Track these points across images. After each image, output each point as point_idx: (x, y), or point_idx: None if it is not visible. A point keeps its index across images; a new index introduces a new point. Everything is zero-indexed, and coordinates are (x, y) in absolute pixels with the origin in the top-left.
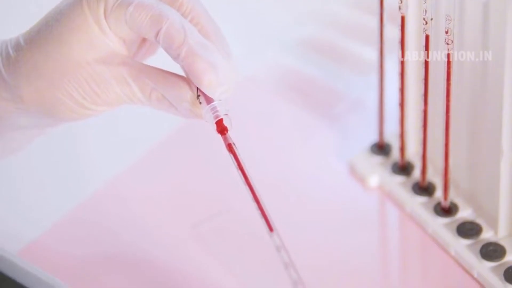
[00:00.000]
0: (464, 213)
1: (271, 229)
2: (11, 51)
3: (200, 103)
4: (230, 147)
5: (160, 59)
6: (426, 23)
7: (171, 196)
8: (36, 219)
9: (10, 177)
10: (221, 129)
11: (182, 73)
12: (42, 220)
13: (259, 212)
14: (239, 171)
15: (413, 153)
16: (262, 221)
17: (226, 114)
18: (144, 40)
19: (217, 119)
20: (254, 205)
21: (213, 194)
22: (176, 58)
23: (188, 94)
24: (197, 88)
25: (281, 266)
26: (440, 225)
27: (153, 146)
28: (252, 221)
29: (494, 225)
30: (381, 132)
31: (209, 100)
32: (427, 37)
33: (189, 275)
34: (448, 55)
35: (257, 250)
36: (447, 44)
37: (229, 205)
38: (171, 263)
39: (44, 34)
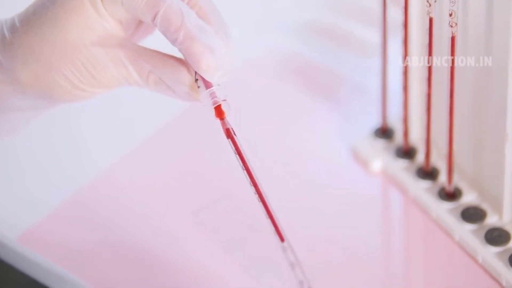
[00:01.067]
0: (469, 198)
1: (267, 210)
2: (6, 33)
3: (199, 87)
4: (228, 132)
5: (158, 41)
6: (430, 5)
7: (171, 182)
8: (35, 205)
9: (9, 162)
10: (220, 114)
11: (180, 55)
12: (41, 206)
13: (256, 196)
14: (237, 156)
15: (416, 137)
16: (260, 205)
17: (225, 100)
18: (141, 22)
19: (215, 105)
20: (252, 189)
21: (213, 179)
22: (173, 41)
23: (186, 77)
24: (195, 71)
25: (281, 249)
26: (444, 210)
27: (153, 132)
28: (253, 206)
29: (498, 210)
30: (384, 116)
31: (207, 84)
32: (430, 20)
33: (189, 260)
34: (452, 38)
35: (258, 235)
36: (451, 26)
37: (229, 191)
38: (171, 248)
39: (39, 16)
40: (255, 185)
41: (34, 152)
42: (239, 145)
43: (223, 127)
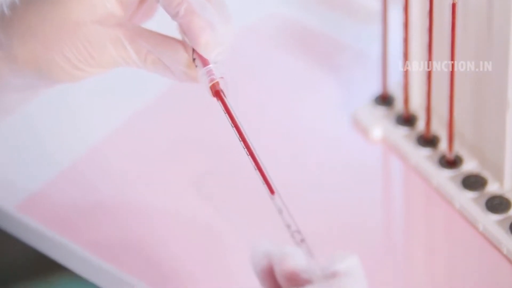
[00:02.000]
0: (469, 166)
1: (267, 184)
2: (6, 10)
3: (196, 66)
4: (227, 109)
5: (156, 26)
6: None
7: (170, 150)
8: (35, 173)
9: (9, 131)
10: (216, 92)
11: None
12: (40, 174)
13: (249, 157)
14: (234, 129)
15: (417, 105)
16: (256, 173)
17: (222, 77)
18: (141, 3)
19: (212, 82)
20: (244, 150)
21: (213, 147)
22: (175, 16)
23: (183, 56)
24: (193, 51)
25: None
26: (445, 178)
27: (152, 99)
28: (252, 173)
29: (499, 178)
30: (384, 83)
31: (204, 63)
32: None
33: (189, 227)
34: (453, 5)
35: (258, 202)
36: None
37: (229, 159)
38: (171, 216)
39: None
40: (245, 143)
41: (31, 123)
42: (237, 120)
43: (222, 102)
